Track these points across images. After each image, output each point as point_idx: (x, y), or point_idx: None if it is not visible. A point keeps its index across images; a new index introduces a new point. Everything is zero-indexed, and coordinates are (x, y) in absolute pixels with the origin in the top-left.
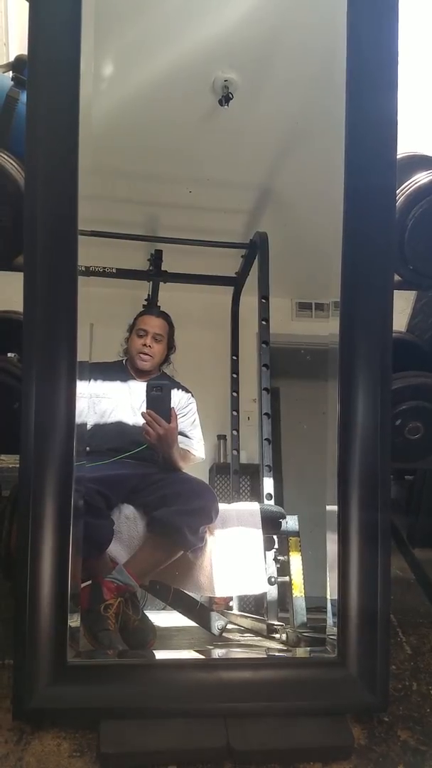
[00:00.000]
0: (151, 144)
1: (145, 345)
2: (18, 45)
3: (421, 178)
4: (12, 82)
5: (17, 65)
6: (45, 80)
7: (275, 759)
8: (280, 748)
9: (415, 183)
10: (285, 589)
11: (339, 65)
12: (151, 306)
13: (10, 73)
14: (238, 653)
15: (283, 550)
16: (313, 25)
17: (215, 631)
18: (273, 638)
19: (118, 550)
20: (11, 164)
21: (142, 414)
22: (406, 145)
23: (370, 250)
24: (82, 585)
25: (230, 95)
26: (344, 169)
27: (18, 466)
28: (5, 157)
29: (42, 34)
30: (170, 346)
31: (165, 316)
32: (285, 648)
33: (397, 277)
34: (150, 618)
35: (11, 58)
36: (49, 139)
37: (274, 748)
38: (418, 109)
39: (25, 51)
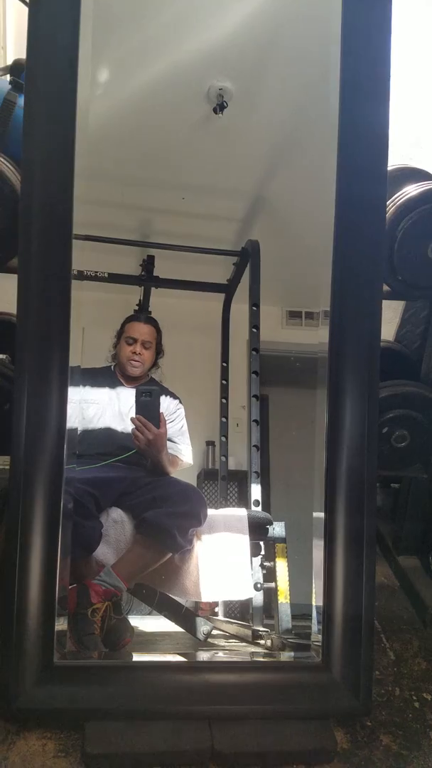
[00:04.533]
0: (146, 150)
1: (134, 353)
2: (15, 49)
3: (410, 190)
4: (10, 86)
5: (15, 69)
6: (42, 84)
7: (259, 761)
8: (264, 751)
9: (405, 195)
10: (270, 595)
11: (332, 76)
12: (140, 312)
13: (8, 77)
14: (222, 658)
15: (270, 556)
16: (307, 36)
17: (201, 636)
18: (258, 644)
19: (105, 553)
20: (7, 167)
21: (132, 419)
22: (396, 158)
23: (360, 260)
24: (69, 587)
25: (224, 104)
26: (336, 179)
27: (7, 467)
28: (2, 159)
29: (40, 38)
30: (158, 351)
31: (153, 322)
32: (269, 654)
33: (385, 287)
34: (134, 623)
35: (9, 62)
36: (45, 142)
37: (258, 751)
38: (409, 121)
39: (22, 55)
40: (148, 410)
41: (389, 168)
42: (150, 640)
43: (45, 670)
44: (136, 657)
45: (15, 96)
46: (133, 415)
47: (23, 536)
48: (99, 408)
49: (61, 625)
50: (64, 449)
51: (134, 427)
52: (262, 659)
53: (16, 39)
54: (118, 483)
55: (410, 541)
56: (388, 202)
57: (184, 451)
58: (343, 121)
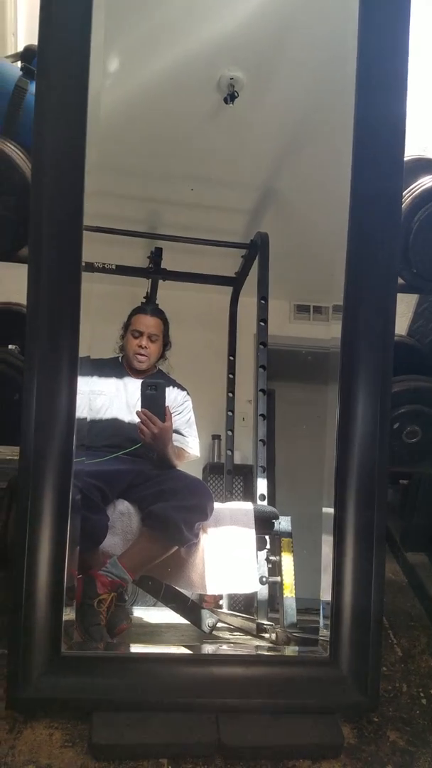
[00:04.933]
0: (155, 141)
1: (140, 346)
2: (26, 35)
3: (426, 181)
4: (21, 72)
5: (26, 55)
6: (54, 71)
7: (265, 755)
8: (271, 745)
9: (421, 186)
10: (276, 589)
11: (347, 66)
12: (147, 304)
13: (19, 63)
14: (227, 651)
15: (275, 550)
16: (322, 24)
17: (206, 628)
18: (262, 637)
19: (112, 545)
20: (18, 155)
21: (137, 413)
22: (413, 149)
23: (375, 252)
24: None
25: (235, 93)
26: (351, 170)
27: (15, 457)
28: (12, 147)
29: (52, 24)
30: (166, 344)
31: (160, 314)
32: (274, 647)
33: (399, 281)
34: (139, 614)
35: (20, 49)
36: (57, 130)
37: (264, 745)
38: (426, 112)
39: (33, 41)
40: (153, 403)
41: (405, 159)
42: (155, 632)
43: (53, 661)
44: (143, 648)
45: (26, 83)
46: (139, 408)
47: (32, 526)
48: (106, 399)
49: (68, 615)
50: (73, 439)
51: (139, 420)
52: (268, 653)
53: (28, 25)
54: (125, 475)
55: (419, 537)
56: (403, 194)
57: (190, 443)
58: (359, 111)
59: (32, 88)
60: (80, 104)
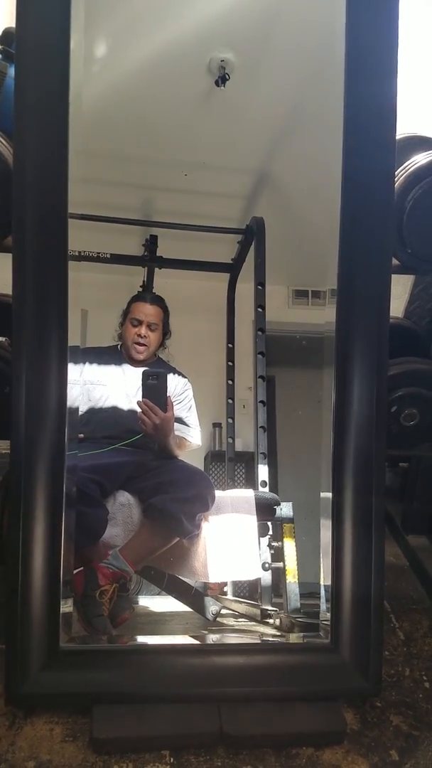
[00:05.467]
0: (145, 126)
1: (139, 335)
2: (6, 18)
3: (420, 159)
4: (0, 56)
5: (5, 38)
6: (34, 54)
7: (268, 744)
8: (273, 733)
9: (414, 164)
10: (279, 574)
11: (339, 45)
12: (145, 292)
13: None
14: (232, 638)
15: (278, 536)
16: (313, 3)
17: (210, 616)
18: (267, 623)
19: (113, 536)
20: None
21: (138, 403)
22: (405, 127)
23: (368, 233)
24: (75, 571)
25: (227, 76)
26: (342, 149)
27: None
28: None
29: (31, 6)
30: (165, 332)
31: (159, 302)
32: (278, 633)
33: (394, 261)
34: (143, 603)
35: None
36: (38, 115)
37: (267, 733)
38: (417, 90)
39: (13, 23)
40: (154, 393)
41: (397, 137)
42: (159, 620)
43: (51, 654)
44: (144, 639)
45: (5, 66)
46: (140, 398)
47: (26, 519)
48: (105, 389)
49: (67, 607)
50: (65, 431)
51: (140, 410)
52: (270, 640)
53: (6, 8)
54: (125, 467)
55: (419, 521)
56: (396, 172)
57: (192, 432)
58: (350, 88)
59: (12, 71)
60: (62, 88)
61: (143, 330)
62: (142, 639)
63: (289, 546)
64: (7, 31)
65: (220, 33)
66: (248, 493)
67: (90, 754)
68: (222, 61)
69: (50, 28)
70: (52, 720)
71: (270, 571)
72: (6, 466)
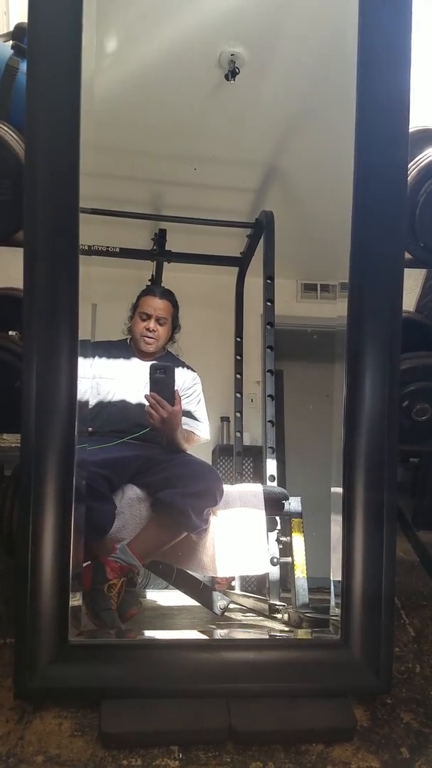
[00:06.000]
0: (155, 120)
1: (148, 329)
2: (19, 13)
3: None
4: (12, 51)
5: (17, 34)
6: (46, 49)
7: (277, 740)
8: (283, 730)
9: (427, 157)
10: (287, 569)
11: (350, 37)
12: (155, 286)
13: (11, 42)
14: (239, 633)
15: (286, 531)
16: None
17: (218, 610)
18: (275, 618)
19: (120, 530)
20: (11, 136)
21: (146, 396)
22: (417, 120)
23: (381, 226)
24: (84, 564)
25: (237, 70)
26: (355, 142)
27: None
28: (5, 128)
29: (43, 1)
30: (174, 326)
31: (169, 296)
32: (287, 628)
33: (406, 255)
34: (151, 597)
35: (11, 27)
36: (50, 110)
37: (276, 730)
38: (429, 83)
39: (25, 19)
40: (162, 387)
41: (410, 130)
42: (167, 614)
43: (60, 649)
44: (153, 633)
45: (17, 62)
46: (147, 392)
47: (35, 513)
48: (114, 383)
49: (76, 600)
50: (75, 425)
51: (148, 404)
52: (279, 635)
53: (19, 3)
54: (133, 461)
55: (430, 516)
56: (409, 165)
57: (200, 426)
58: (363, 82)
59: (24, 67)
60: (73, 83)
61: (152, 324)
62: (150, 633)
63: (298, 541)
64: (19, 27)
65: (230, 27)
66: (257, 488)
67: (99, 749)
68: (232, 55)
69: (62, 23)
70: (61, 714)
71: (278, 566)
72: (16, 459)
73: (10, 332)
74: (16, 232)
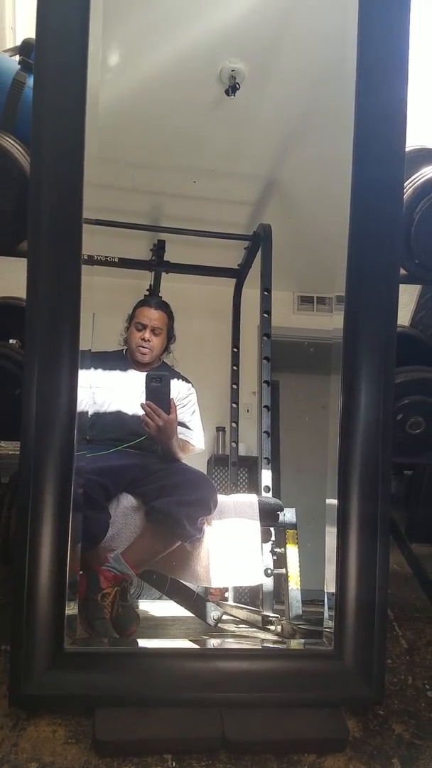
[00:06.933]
0: (157, 133)
1: (143, 339)
2: (25, 29)
3: (428, 171)
4: (19, 66)
5: (24, 49)
6: (52, 64)
7: (270, 750)
8: (275, 739)
9: (423, 176)
10: (281, 581)
11: (348, 56)
12: (151, 297)
13: (17, 57)
14: (232, 644)
15: (280, 542)
16: (323, 15)
17: (211, 621)
18: (268, 630)
19: (114, 539)
20: (17, 149)
21: (142, 405)
22: (413, 139)
23: (377, 243)
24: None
25: (237, 85)
26: (352, 160)
27: (18, 453)
28: (11, 141)
29: (50, 17)
30: (170, 337)
31: (164, 307)
32: (280, 640)
33: (402, 271)
34: (144, 607)
35: (18, 42)
36: (55, 124)
37: (269, 739)
38: (426, 102)
39: (31, 35)
40: (158, 396)
41: (406, 149)
42: (160, 625)
43: (55, 656)
44: (147, 643)
45: (24, 76)
46: (143, 401)
47: (33, 521)
48: (110, 393)
49: (71, 609)
50: (74, 434)
51: (144, 413)
52: (273, 646)
53: (26, 18)
54: (129, 470)
55: (423, 529)
56: (405, 184)
57: (195, 436)
58: (361, 101)
59: (30, 81)
60: (79, 97)
61: (147, 334)
62: (145, 642)
63: (292, 552)
64: (26, 42)
65: (231, 43)
66: (251, 498)
67: (92, 756)
68: (233, 70)
69: (68, 39)
70: (55, 722)
71: (272, 578)
72: (13, 467)
73: (11, 341)
74: (19, 243)
